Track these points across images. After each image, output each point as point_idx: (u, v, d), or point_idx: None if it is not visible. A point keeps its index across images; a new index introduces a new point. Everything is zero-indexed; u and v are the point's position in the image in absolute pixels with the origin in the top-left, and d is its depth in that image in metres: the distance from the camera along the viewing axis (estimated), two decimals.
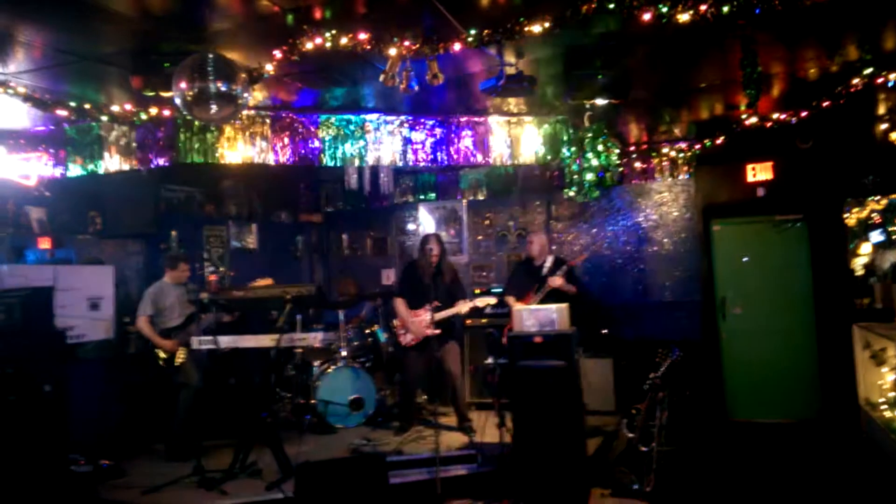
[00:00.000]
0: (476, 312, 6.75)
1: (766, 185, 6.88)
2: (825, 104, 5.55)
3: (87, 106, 5.06)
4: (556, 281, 5.65)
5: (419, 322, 5.72)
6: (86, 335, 5.77)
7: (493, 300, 5.82)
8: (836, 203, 6.60)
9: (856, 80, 5.07)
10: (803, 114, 5.88)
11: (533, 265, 6.06)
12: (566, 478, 4.47)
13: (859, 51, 4.63)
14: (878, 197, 6.49)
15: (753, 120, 6.08)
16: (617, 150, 6.03)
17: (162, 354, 5.41)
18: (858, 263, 6.58)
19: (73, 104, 4.99)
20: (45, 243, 5.98)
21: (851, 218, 6.60)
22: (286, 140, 5.72)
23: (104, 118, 5.28)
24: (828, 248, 6.61)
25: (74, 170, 5.70)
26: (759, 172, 6.91)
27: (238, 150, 5.61)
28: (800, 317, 6.75)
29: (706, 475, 5.16)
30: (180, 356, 5.40)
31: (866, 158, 6.40)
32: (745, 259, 7.10)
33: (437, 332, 5.55)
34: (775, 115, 6.03)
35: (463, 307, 5.73)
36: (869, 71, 4.90)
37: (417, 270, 5.85)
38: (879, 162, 6.34)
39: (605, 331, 6.92)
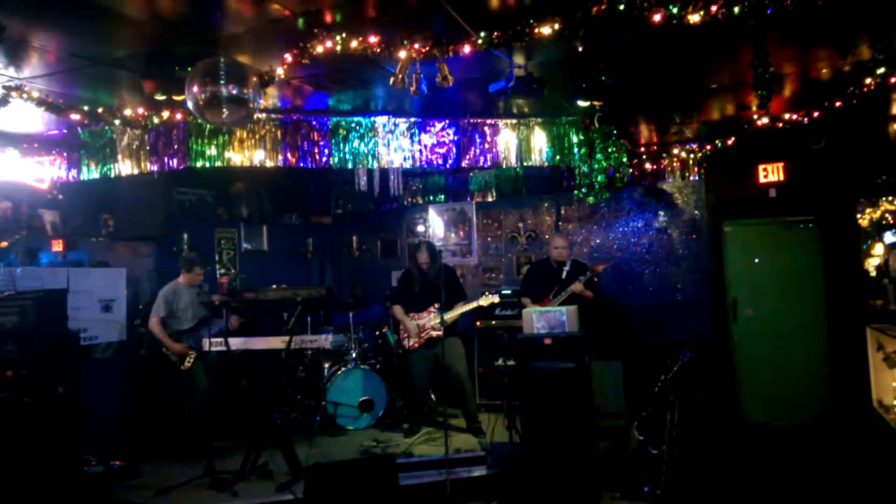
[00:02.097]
0: (486, 314, 6.77)
1: (777, 186, 6.83)
2: (837, 104, 5.50)
3: (100, 110, 5.11)
4: (578, 286, 5.65)
5: (418, 325, 5.78)
6: (98, 337, 5.83)
7: (496, 298, 5.83)
8: (848, 204, 6.55)
9: (868, 80, 5.02)
10: (815, 114, 5.84)
11: (552, 267, 6.03)
12: (576, 480, 4.46)
13: (872, 50, 4.59)
14: (892, 197, 6.43)
15: (765, 121, 6.04)
16: (627, 152, 6.01)
17: (172, 357, 5.45)
18: (871, 264, 6.53)
19: (86, 108, 5.04)
20: (58, 246, 6.04)
21: (864, 218, 6.55)
22: (296, 143, 5.74)
23: (117, 122, 5.33)
24: (840, 250, 6.55)
25: (87, 173, 5.75)
26: (770, 173, 6.86)
27: (249, 152, 5.64)
28: (812, 318, 6.69)
29: (717, 478, 5.13)
30: (189, 360, 5.43)
31: (879, 158, 6.35)
32: (756, 260, 7.05)
33: (440, 333, 5.61)
34: (787, 116, 5.99)
35: (468, 306, 5.78)
36: (882, 70, 4.85)
37: (411, 276, 6.00)
38: (893, 162, 6.28)
39: (618, 333, 6.90)
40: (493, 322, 6.89)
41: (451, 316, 5.75)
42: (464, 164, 6.11)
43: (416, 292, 5.93)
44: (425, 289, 5.86)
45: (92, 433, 4.83)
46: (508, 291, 6.96)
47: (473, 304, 5.81)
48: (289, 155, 5.72)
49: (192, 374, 5.45)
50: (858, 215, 6.54)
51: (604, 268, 5.96)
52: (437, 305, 5.72)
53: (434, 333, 5.73)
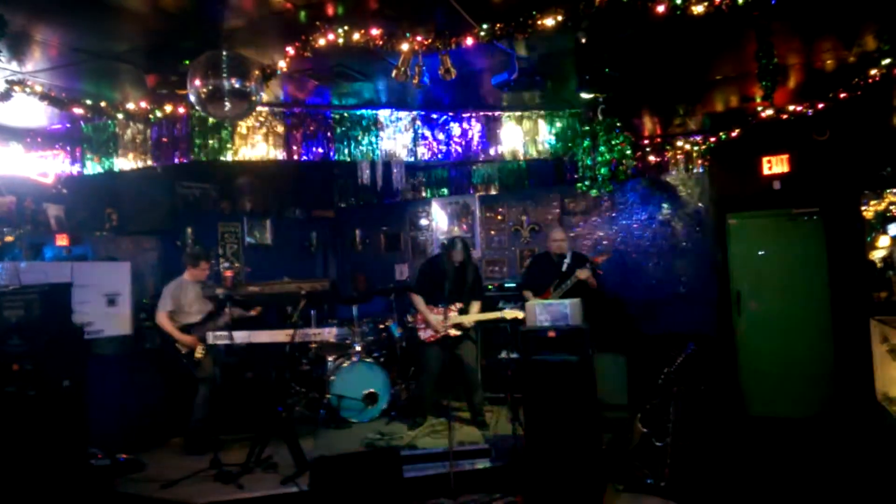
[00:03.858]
0: (490, 307, 6.77)
1: (781, 178, 6.81)
2: (842, 96, 5.48)
3: (102, 104, 5.12)
4: (584, 273, 5.66)
5: (440, 320, 5.71)
6: (103, 331, 5.84)
7: (520, 314, 5.73)
8: (853, 195, 6.51)
9: (873, 71, 5.00)
10: (820, 105, 5.81)
11: (552, 260, 6.06)
12: (580, 472, 4.46)
13: (877, 41, 4.56)
14: None
15: (769, 112, 6.01)
16: (631, 144, 5.99)
17: (183, 350, 5.47)
18: (876, 256, 6.50)
19: (89, 102, 5.05)
20: (62, 240, 6.05)
21: (869, 210, 6.51)
22: (299, 136, 5.74)
23: (120, 116, 5.34)
24: (845, 242, 6.53)
25: (91, 167, 5.77)
26: (774, 165, 6.83)
27: (252, 146, 5.65)
28: (816, 311, 6.68)
29: (721, 470, 5.13)
30: (200, 351, 5.46)
31: (884, 150, 6.31)
32: (760, 253, 7.03)
33: (459, 333, 5.61)
34: (791, 107, 5.96)
35: (492, 315, 5.75)
36: (887, 61, 4.83)
37: (438, 270, 5.84)
38: None
39: (621, 326, 6.89)
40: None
41: (474, 319, 5.75)
42: (467, 157, 6.09)
43: (441, 287, 5.76)
44: (454, 285, 5.75)
45: (97, 426, 4.85)
46: (512, 284, 6.96)
47: (497, 315, 5.76)
48: (292, 148, 5.72)
49: (204, 365, 5.47)
50: (863, 207, 6.50)
51: (603, 259, 6.00)
52: (459, 305, 5.72)
53: (453, 333, 5.70)
